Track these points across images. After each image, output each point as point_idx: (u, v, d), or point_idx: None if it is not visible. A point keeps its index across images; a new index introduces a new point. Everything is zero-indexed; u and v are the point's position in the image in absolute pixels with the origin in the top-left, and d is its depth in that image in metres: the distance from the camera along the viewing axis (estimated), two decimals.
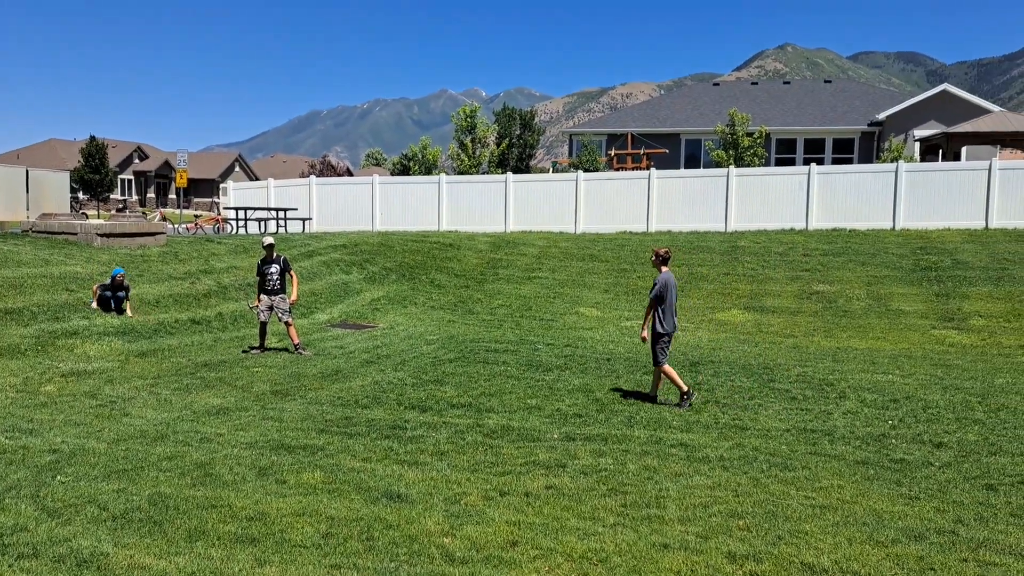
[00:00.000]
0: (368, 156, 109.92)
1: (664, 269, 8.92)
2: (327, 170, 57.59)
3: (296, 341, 11.99)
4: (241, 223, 25.10)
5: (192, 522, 5.48)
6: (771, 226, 23.78)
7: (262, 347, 12.07)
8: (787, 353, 12.85)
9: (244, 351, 11.95)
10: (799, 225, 23.66)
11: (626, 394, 9.40)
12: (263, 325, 12.13)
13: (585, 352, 12.41)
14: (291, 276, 12.37)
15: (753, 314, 16.73)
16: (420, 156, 39.88)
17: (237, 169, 77.75)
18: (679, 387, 8.88)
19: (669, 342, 8.92)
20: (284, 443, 7.33)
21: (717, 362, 11.71)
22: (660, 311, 8.87)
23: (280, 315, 12.11)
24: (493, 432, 7.79)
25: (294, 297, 12.16)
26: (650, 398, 9.09)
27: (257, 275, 12.43)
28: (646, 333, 8.87)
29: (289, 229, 25.51)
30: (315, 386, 9.73)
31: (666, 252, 8.93)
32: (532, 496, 6.09)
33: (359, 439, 7.53)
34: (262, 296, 12.09)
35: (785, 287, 18.50)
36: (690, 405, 8.74)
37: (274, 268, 12.19)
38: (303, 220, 25.55)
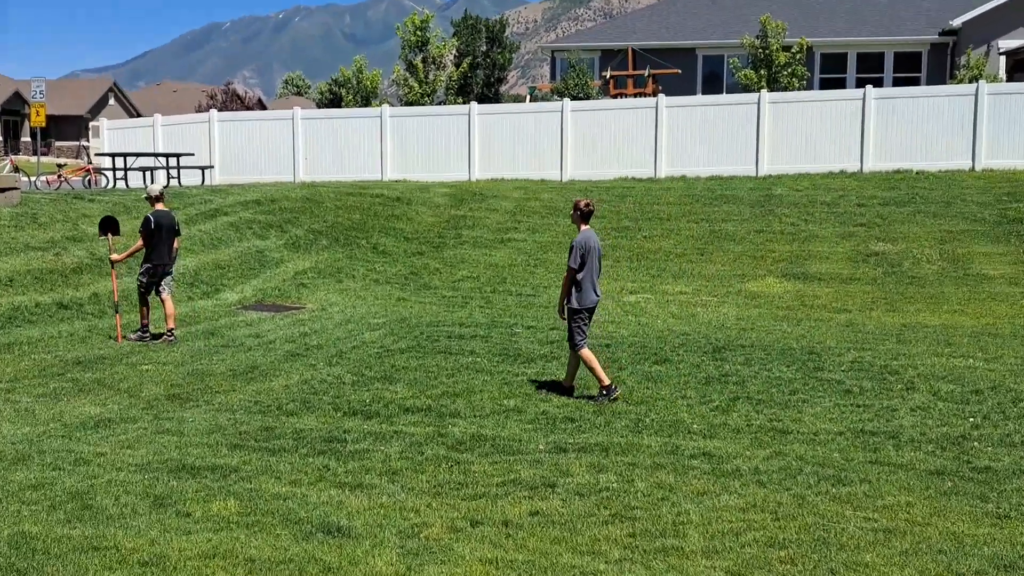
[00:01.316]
0: (287, 82, 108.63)
1: (584, 227, 9.24)
2: (232, 102, 56.87)
3: (144, 322, 12.46)
4: (119, 174, 24.67)
5: (68, 570, 5.43)
6: (815, 168, 24.02)
7: (144, 328, 12.50)
8: (838, 333, 13.01)
9: (138, 336, 12.26)
10: (851, 166, 23.90)
11: (598, 393, 9.46)
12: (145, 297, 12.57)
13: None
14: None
15: (793, 283, 16.90)
16: (355, 82, 39.34)
17: (112, 102, 76.35)
18: (599, 378, 9.16)
19: (589, 319, 9.22)
20: (186, 463, 7.28)
21: (748, 346, 11.83)
22: (577, 278, 9.14)
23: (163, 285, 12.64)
24: (460, 443, 7.81)
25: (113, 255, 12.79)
26: (566, 390, 9.33)
27: (143, 233, 12.47)
28: (560, 312, 9.24)
29: (184, 181, 25.20)
30: (225, 387, 9.69)
31: (588, 205, 9.22)
32: (512, 526, 6.11)
33: (285, 456, 7.50)
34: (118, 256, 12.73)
35: (834, 247, 18.70)
36: (613, 400, 9.02)
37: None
38: (202, 169, 25.28)
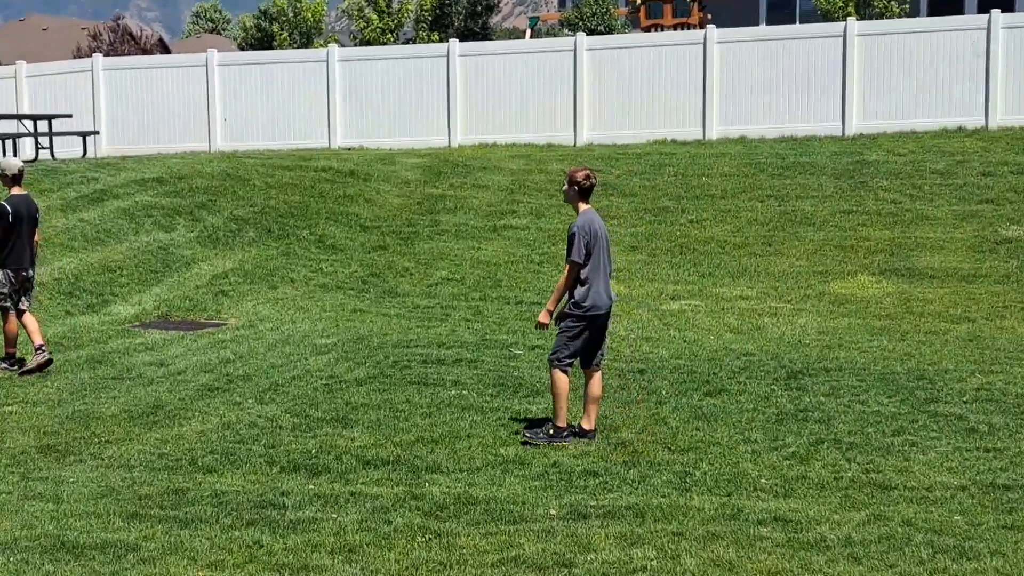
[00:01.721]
0: (197, 15, 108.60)
1: (584, 206, 9.39)
2: (124, 43, 56.87)
3: (10, 351, 12.56)
4: None
5: None
6: (923, 124, 24.10)
7: (11, 358, 12.57)
8: (957, 350, 13.02)
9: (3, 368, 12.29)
10: (972, 121, 23.97)
11: (677, 431, 9.48)
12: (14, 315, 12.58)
13: (607, 359, 12.48)
14: None
15: (895, 282, 16.93)
16: (291, 14, 39.35)
17: None
18: (555, 412, 9.31)
19: (588, 331, 9.30)
20: (66, 540, 7.27)
21: (835, 370, 11.84)
22: (581, 275, 9.29)
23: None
24: (441, 508, 7.81)
25: None
26: (583, 433, 9.39)
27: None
28: (545, 317, 9.33)
29: (58, 152, 25.21)
30: (118, 435, 9.70)
31: (587, 176, 9.35)
32: None
33: (201, 528, 7.48)
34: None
35: (951, 232, 18.75)
36: (559, 440, 9.19)
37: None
38: (84, 136, 25.34)
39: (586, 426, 9.39)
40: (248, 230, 19.51)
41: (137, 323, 15.05)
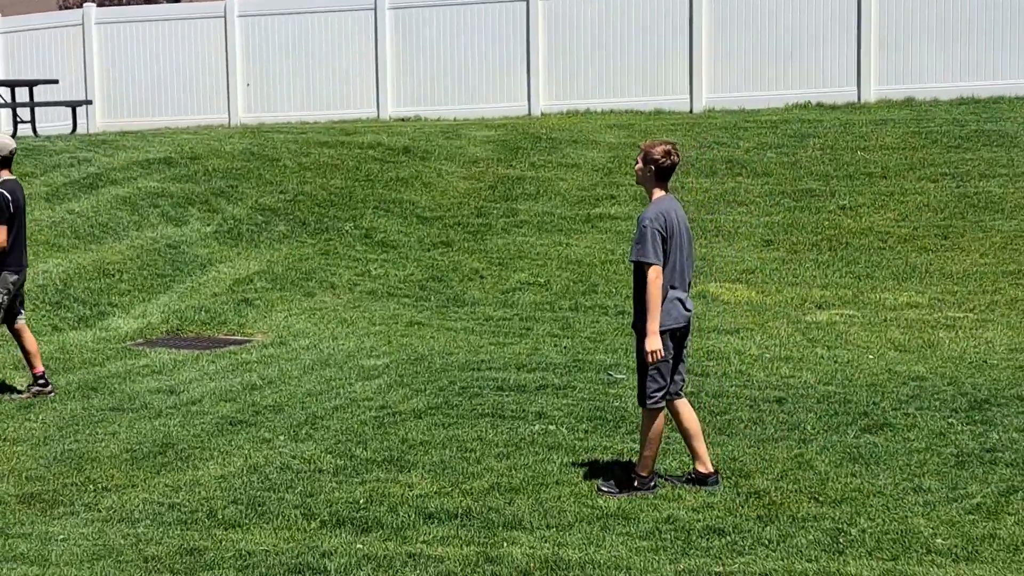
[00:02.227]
0: None
1: (660, 192, 9.31)
2: None
3: (38, 369, 12.71)
4: None
5: None
6: None
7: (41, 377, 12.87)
8: None
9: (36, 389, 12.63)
10: None
11: (825, 479, 9.39)
12: None
13: (724, 385, 12.45)
14: None
15: None
16: None
17: None
18: (641, 458, 9.29)
19: (674, 350, 9.25)
20: None
21: None
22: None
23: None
24: (523, 574, 7.79)
25: None
26: (701, 478, 9.38)
27: None
28: (655, 341, 9.00)
29: (42, 128, 25.64)
30: (118, 480, 9.81)
31: (667, 153, 9.22)
32: None
33: None
34: None
35: None
36: (644, 490, 9.17)
37: None
38: (73, 107, 25.73)
39: (703, 469, 9.34)
40: (278, 223, 19.67)
41: (141, 340, 15.23)
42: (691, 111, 25.42)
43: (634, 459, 9.67)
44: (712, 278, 17.57)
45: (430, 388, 12.49)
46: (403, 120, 26.52)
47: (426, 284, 17.89)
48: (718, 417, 11.18)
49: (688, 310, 9.26)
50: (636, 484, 9.25)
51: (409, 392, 12.38)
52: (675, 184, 20.91)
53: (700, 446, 9.38)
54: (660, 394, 9.23)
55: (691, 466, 9.50)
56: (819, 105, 24.78)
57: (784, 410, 11.45)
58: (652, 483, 9.29)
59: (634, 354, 9.58)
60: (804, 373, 13.00)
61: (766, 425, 10.97)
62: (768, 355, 13.87)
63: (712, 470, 9.36)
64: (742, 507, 8.90)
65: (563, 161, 22.53)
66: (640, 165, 9.30)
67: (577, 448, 10.34)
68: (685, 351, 9.48)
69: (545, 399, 11.93)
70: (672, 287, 9.18)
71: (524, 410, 11.55)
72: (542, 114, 26.08)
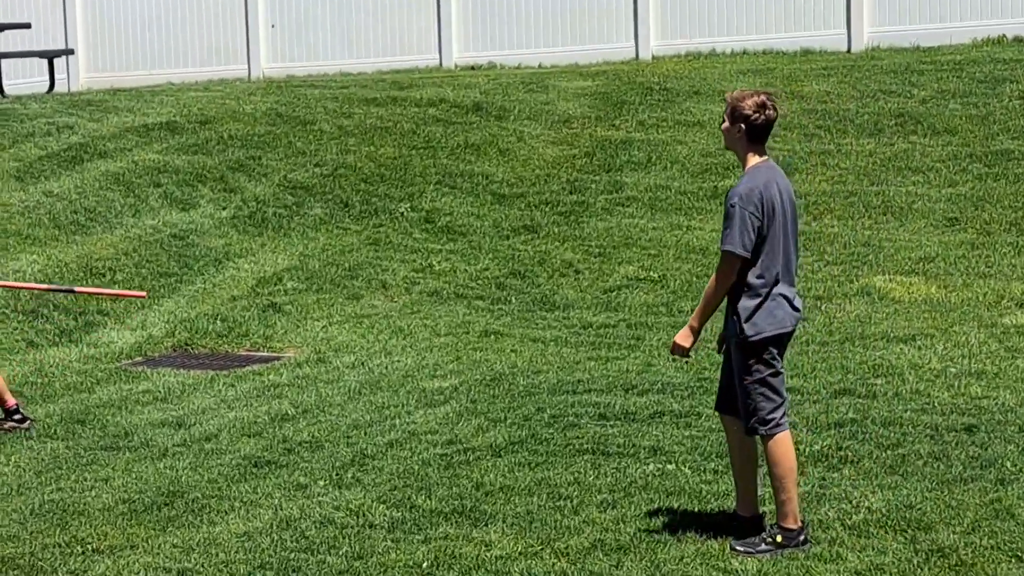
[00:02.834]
0: None
1: (756, 158, 9.26)
2: None
3: (10, 402, 12.81)
4: None
5: None
6: None
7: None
8: None
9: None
10: None
11: None
12: None
13: (896, 409, 12.37)
14: None
15: None
16: None
17: None
18: (781, 510, 9.23)
19: (780, 360, 9.26)
20: None
21: None
22: (748, 276, 9.15)
23: None
24: None
25: None
26: (747, 523, 9.42)
27: None
28: (686, 338, 9.37)
29: (11, 85, 25.88)
30: (111, 539, 9.87)
31: (761, 106, 9.12)
32: None
33: None
34: None
35: None
36: (793, 547, 9.13)
37: None
38: (49, 57, 25.95)
39: (791, 525, 9.27)
40: (313, 205, 19.76)
41: (140, 359, 15.34)
42: (849, 50, 25.31)
43: (772, 507, 9.66)
44: (879, 269, 17.47)
45: (512, 417, 12.49)
46: (472, 69, 26.53)
47: (505, 282, 17.92)
48: (889, 452, 11.09)
49: (796, 310, 9.25)
50: (780, 540, 9.19)
51: (484, 423, 12.39)
52: (830, 145, 20.83)
53: (790, 493, 9.29)
54: (780, 412, 9.18)
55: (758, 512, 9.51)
56: (1017, 40, 24.53)
57: (975, 441, 11.34)
58: (802, 537, 9.24)
59: (733, 371, 9.53)
60: (1001, 393, 12.87)
61: (952, 461, 10.88)
62: (954, 370, 13.76)
63: (797, 525, 9.30)
64: (922, 568, 8.83)
65: (682, 119, 22.46)
66: (727, 123, 9.20)
67: (704, 494, 10.31)
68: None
69: (661, 430, 11.90)
70: (774, 281, 9.14)
71: (634, 445, 11.52)
72: (653, 58, 26.03)
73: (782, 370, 9.23)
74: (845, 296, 16.67)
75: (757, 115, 9.08)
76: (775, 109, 9.17)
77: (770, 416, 9.14)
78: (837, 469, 10.75)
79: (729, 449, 9.62)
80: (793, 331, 9.30)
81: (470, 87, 24.13)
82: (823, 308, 16.39)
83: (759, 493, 9.63)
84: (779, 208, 9.08)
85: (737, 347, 9.22)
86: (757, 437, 9.28)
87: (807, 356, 14.43)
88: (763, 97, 9.11)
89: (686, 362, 9.08)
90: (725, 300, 9.31)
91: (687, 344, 9.34)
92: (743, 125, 9.11)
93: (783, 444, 9.15)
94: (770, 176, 9.15)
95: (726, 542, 9.36)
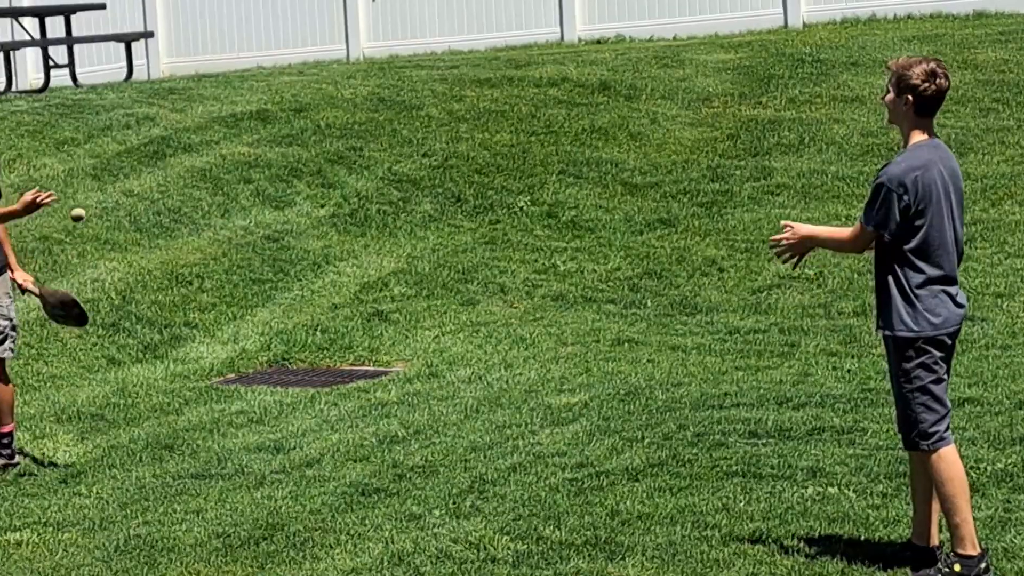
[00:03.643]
0: None
1: (920, 136, 9.13)
2: None
3: (8, 427, 12.85)
4: None
5: None
6: None
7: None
8: None
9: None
10: None
11: None
12: None
13: None
14: None
15: None
16: None
17: None
18: (954, 524, 9.05)
19: (945, 365, 9.12)
20: None
21: None
22: (903, 268, 9.04)
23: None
24: None
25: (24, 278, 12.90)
26: (924, 555, 9.29)
27: None
28: (804, 229, 9.29)
29: (84, 73, 26.12)
30: None
31: (931, 75, 8.95)
32: None
33: None
34: None
35: None
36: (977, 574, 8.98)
37: None
38: (127, 41, 26.19)
39: (970, 551, 9.09)
40: (421, 200, 19.81)
41: (232, 376, 15.46)
42: None
43: (946, 535, 9.58)
44: None
45: (650, 436, 12.46)
46: (599, 43, 26.53)
47: (639, 283, 17.89)
48: None
49: (960, 306, 9.12)
50: (959, 569, 9.08)
51: (619, 442, 12.36)
52: (1010, 120, 20.66)
53: (963, 511, 9.12)
54: (944, 425, 9.04)
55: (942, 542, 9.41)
56: None
57: None
58: (983, 565, 9.12)
59: (889, 377, 9.45)
60: None
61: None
62: None
63: (977, 552, 9.13)
64: None
65: (838, 94, 22.34)
66: (891, 95, 9.04)
67: (871, 520, 10.23)
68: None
69: (822, 449, 11.83)
70: (936, 276, 9.02)
71: (790, 465, 11.46)
72: (804, 25, 25.97)
73: (946, 376, 9.12)
74: None
75: (927, 84, 8.92)
76: (947, 78, 8.99)
77: (933, 429, 9.02)
78: (1023, 490, 10.64)
79: (911, 469, 9.49)
80: (957, 331, 9.19)
81: (596, 63, 24.12)
82: (1004, 307, 16.25)
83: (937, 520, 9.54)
84: (938, 193, 8.95)
85: (894, 348, 9.13)
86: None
87: (987, 362, 14.33)
88: (933, 64, 8.96)
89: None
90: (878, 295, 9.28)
91: (794, 237, 9.27)
92: (910, 96, 8.96)
93: (949, 459, 9.02)
94: (932, 157, 9.01)
95: (900, 575, 9.30)
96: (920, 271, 8.98)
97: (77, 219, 12.92)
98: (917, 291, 8.97)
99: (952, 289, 9.07)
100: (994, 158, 19.93)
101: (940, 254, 9.02)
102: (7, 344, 12.89)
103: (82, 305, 13.21)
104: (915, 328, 8.97)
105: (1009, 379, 13.50)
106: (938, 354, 9.04)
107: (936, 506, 9.30)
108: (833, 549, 9.79)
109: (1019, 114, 20.79)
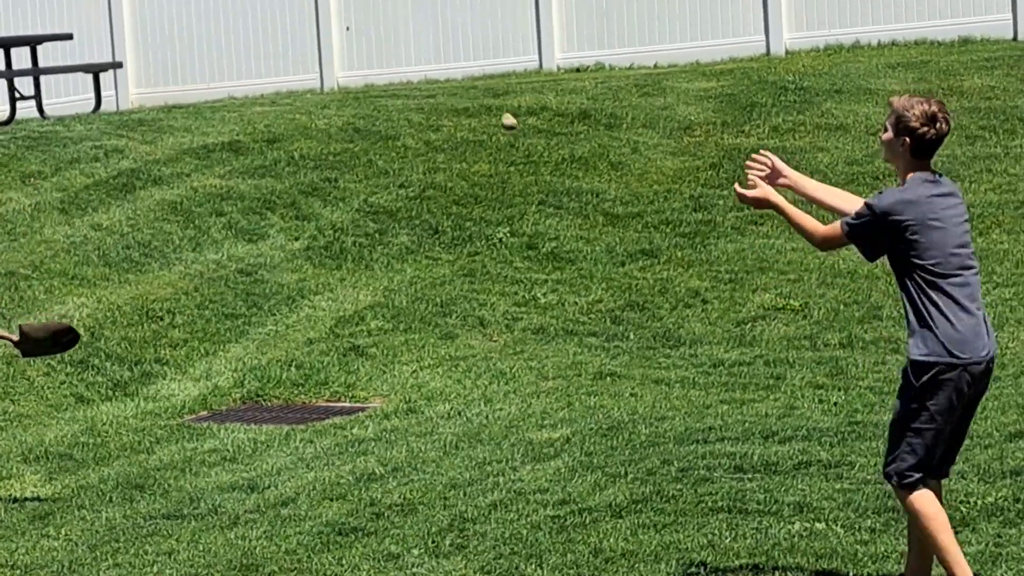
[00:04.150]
0: None
1: (913, 175, 9.15)
2: None
3: None
4: None
5: None
6: None
7: None
8: None
9: None
10: None
11: None
12: None
13: None
14: None
15: None
16: None
17: None
18: (943, 562, 8.97)
19: (955, 403, 9.09)
20: None
21: None
22: (925, 295, 9.11)
23: None
24: None
25: None
26: None
27: None
28: (765, 192, 9.65)
29: (52, 104, 26.16)
30: None
31: (931, 119, 8.98)
32: None
33: None
34: None
35: None
36: None
37: None
38: (95, 71, 26.21)
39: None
40: (398, 232, 19.85)
41: (205, 413, 15.45)
42: (1015, 38, 25.27)
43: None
44: None
45: (633, 472, 12.47)
46: (578, 71, 26.62)
47: (621, 315, 17.93)
48: None
49: (988, 344, 9.12)
50: None
51: (602, 478, 12.38)
52: (997, 148, 20.72)
53: (953, 551, 9.05)
54: (910, 470, 8.97)
55: None
56: None
57: None
58: None
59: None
60: None
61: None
62: None
63: None
64: None
65: (822, 122, 22.44)
66: (889, 134, 9.03)
67: (859, 556, 10.25)
68: (971, 414, 9.36)
69: (809, 483, 11.86)
70: (949, 301, 9.03)
71: (777, 500, 11.48)
72: (787, 53, 26.08)
73: (946, 420, 9.08)
74: (1019, 323, 16.58)
75: (927, 129, 8.93)
76: (947, 122, 9.03)
77: (903, 468, 9.00)
78: (1015, 524, 10.66)
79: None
80: (982, 372, 9.20)
81: (575, 92, 24.19)
82: (994, 337, 16.28)
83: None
84: (928, 222, 8.96)
85: (912, 369, 9.17)
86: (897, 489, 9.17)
87: (1012, 393, 14.36)
88: (935, 107, 8.97)
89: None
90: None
91: (756, 196, 9.78)
92: (907, 139, 8.97)
93: (919, 499, 8.98)
94: (923, 192, 9.03)
95: None
96: (930, 302, 9.13)
97: (509, 127, 13.09)
98: (927, 319, 9.13)
99: (972, 320, 9.12)
100: (981, 186, 20.01)
101: (956, 287, 9.07)
102: None
103: (75, 329, 13.32)
104: (927, 351, 9.14)
105: (999, 411, 13.54)
106: (944, 388, 9.08)
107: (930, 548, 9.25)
108: None
109: (1006, 141, 20.90)
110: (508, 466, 12.90)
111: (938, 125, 8.97)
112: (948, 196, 9.07)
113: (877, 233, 9.04)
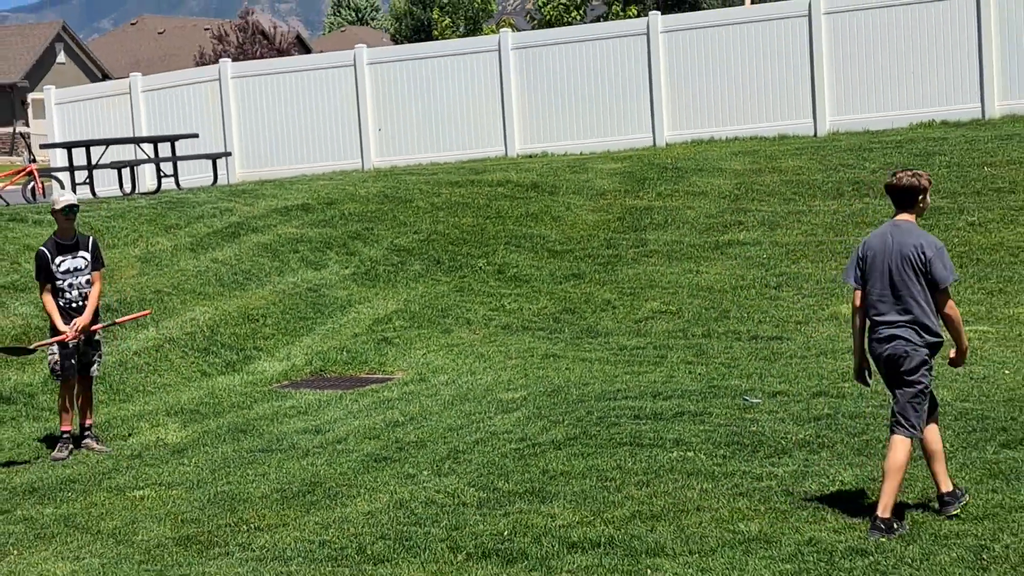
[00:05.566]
0: (338, 3, 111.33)
1: (897, 217, 9.03)
2: (254, 43, 58.65)
3: (89, 420, 12.99)
4: (80, 176, 25.54)
5: None
6: None
7: (73, 437, 12.91)
8: None
9: (57, 456, 12.61)
10: None
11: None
12: (67, 386, 12.83)
13: (860, 406, 12.28)
14: (93, 279, 13.04)
15: None
16: None
17: (62, 57, 79.80)
18: (884, 492, 8.81)
19: (884, 380, 9.09)
20: None
21: None
22: (929, 308, 8.85)
23: (93, 360, 13.08)
24: None
25: (84, 320, 12.79)
26: (945, 499, 9.02)
27: (41, 279, 12.88)
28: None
29: (185, 180, 26.19)
30: (270, 520, 9.95)
31: (898, 178, 8.89)
32: None
33: None
34: (59, 323, 12.73)
35: None
36: (955, 514, 8.84)
37: (78, 261, 12.84)
38: (213, 159, 26.26)
39: (943, 490, 9.04)
40: (413, 262, 19.87)
41: (287, 382, 15.46)
42: (815, 135, 25.28)
43: (824, 478, 9.50)
44: (844, 300, 17.39)
45: (568, 419, 12.49)
46: (530, 157, 26.66)
47: (559, 316, 17.94)
48: (856, 438, 11.03)
49: (877, 342, 9.04)
50: (950, 499, 8.97)
51: (547, 424, 12.39)
52: (803, 206, 20.77)
53: (940, 469, 9.05)
54: (918, 422, 8.99)
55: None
56: (943, 123, 24.47)
57: (966, 425, 11.24)
58: (897, 528, 8.76)
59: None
60: (940, 391, 12.76)
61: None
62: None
63: (947, 489, 8.99)
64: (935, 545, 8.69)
65: (690, 189, 22.47)
66: (894, 189, 8.99)
67: (716, 474, 10.27)
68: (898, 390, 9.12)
69: (682, 426, 11.87)
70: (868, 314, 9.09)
71: (662, 438, 11.48)
72: (667, 144, 26.12)
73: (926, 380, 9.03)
74: (819, 320, 16.60)
75: (891, 183, 8.98)
76: (896, 179, 8.93)
77: (916, 422, 8.98)
78: (817, 452, 10.69)
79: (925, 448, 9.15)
80: (879, 361, 9.14)
81: (529, 170, 24.24)
82: (802, 330, 16.32)
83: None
84: (874, 258, 8.94)
85: (925, 356, 8.97)
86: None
87: (791, 367, 14.36)
88: (900, 172, 9.00)
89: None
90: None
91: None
92: (891, 192, 9.02)
93: (908, 447, 8.94)
94: (882, 231, 9.03)
95: (736, 508, 9.29)
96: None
97: None
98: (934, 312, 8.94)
99: (875, 327, 9.08)
100: (793, 232, 20.04)
101: (878, 299, 9.01)
102: (95, 366, 13.21)
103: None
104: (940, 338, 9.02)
105: (806, 378, 13.54)
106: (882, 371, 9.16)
107: (937, 466, 9.04)
108: (691, 494, 9.80)
109: (809, 202, 20.95)
110: (485, 416, 12.89)
111: (895, 180, 8.95)
112: (896, 234, 8.97)
113: (853, 259, 9.18)
